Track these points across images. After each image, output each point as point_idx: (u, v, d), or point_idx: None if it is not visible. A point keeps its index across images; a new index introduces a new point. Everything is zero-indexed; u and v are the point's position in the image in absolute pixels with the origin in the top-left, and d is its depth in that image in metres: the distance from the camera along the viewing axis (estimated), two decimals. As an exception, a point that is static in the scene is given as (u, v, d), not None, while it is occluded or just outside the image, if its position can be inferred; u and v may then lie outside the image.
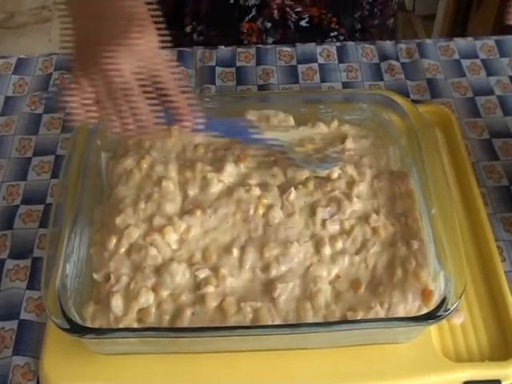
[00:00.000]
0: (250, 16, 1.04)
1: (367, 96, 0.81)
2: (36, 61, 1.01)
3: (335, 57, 1.00)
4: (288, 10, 1.03)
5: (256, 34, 1.06)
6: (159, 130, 0.66)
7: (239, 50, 1.01)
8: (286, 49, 1.01)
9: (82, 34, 0.64)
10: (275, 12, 1.03)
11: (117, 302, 0.65)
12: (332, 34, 1.07)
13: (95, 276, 0.67)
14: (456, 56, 1.00)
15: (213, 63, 0.99)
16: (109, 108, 0.63)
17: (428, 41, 1.03)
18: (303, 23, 1.05)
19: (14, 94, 0.97)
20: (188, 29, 1.08)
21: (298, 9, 1.03)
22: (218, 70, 0.99)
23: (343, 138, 0.78)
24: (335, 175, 0.74)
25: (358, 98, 0.81)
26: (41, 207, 0.83)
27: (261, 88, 0.96)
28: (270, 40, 1.07)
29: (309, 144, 0.77)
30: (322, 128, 0.79)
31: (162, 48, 0.63)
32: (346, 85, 0.96)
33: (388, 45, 1.02)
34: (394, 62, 0.99)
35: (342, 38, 1.07)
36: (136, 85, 0.62)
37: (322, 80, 0.97)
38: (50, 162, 0.88)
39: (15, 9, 2.66)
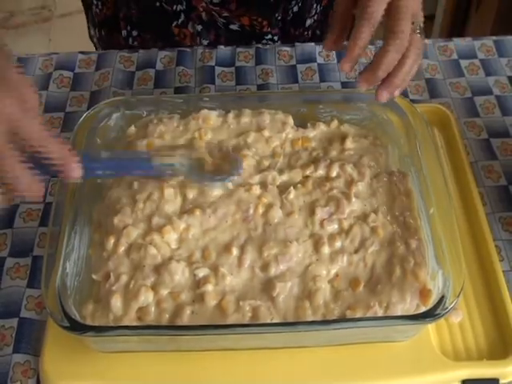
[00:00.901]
0: (180, 21, 1.04)
1: (366, 96, 0.80)
2: (36, 60, 1.01)
3: (334, 57, 1.00)
4: (214, 13, 1.03)
5: (189, 37, 1.06)
6: (40, 188, 0.61)
7: (239, 49, 1.02)
8: (286, 49, 1.02)
9: None
10: (203, 14, 1.03)
11: (116, 302, 0.65)
12: (267, 37, 1.07)
13: (94, 276, 0.68)
14: (455, 56, 1.00)
15: (212, 63, 1.00)
16: None
17: (427, 41, 1.03)
18: (234, 27, 1.05)
19: (14, 95, 0.97)
20: (124, 33, 1.08)
21: (225, 14, 1.03)
22: (218, 69, 0.99)
23: (343, 138, 0.78)
24: (334, 174, 0.74)
25: (357, 97, 0.81)
26: (41, 206, 0.83)
27: (260, 88, 0.96)
28: (205, 42, 1.07)
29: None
30: (321, 128, 0.79)
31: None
32: (345, 84, 0.97)
33: (387, 45, 1.02)
34: (393, 62, 0.99)
35: (276, 38, 1.07)
36: (6, 149, 0.58)
37: (322, 80, 0.97)
38: (50, 161, 0.88)
39: (15, 8, 2.66)
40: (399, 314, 0.64)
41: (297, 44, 1.02)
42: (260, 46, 1.02)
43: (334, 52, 1.01)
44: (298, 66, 1.00)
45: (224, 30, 1.06)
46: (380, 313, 0.64)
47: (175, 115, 0.80)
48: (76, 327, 0.62)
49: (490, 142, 0.89)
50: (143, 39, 1.08)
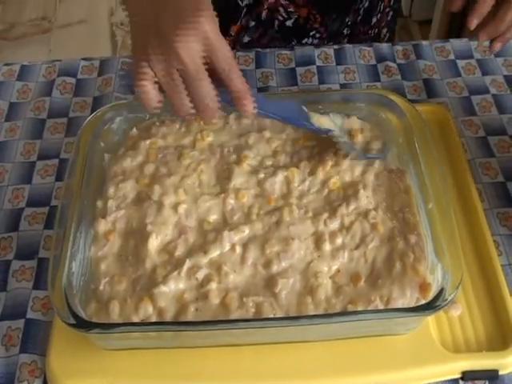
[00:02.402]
0: (240, 19, 1.05)
1: (365, 96, 0.82)
2: (39, 67, 1.03)
3: (333, 59, 1.02)
4: (280, 9, 1.04)
5: (235, 32, 1.07)
6: (217, 114, 0.66)
7: (239, 53, 1.03)
8: (285, 52, 1.03)
9: (143, 18, 0.64)
10: (264, 12, 1.04)
11: (115, 312, 0.66)
12: (311, 34, 1.08)
13: (93, 286, 0.69)
14: (451, 56, 1.02)
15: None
16: (175, 91, 0.63)
17: (424, 42, 1.04)
18: (289, 23, 1.06)
19: (18, 100, 0.99)
20: None
21: (290, 8, 1.04)
22: (218, 73, 1.00)
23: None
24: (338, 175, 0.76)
25: (355, 97, 0.82)
26: (45, 209, 0.84)
27: (260, 90, 0.97)
28: (247, 39, 1.08)
29: (358, 134, 0.78)
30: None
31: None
32: (343, 86, 0.98)
33: (384, 47, 1.03)
34: (390, 64, 1.00)
35: (318, 35, 1.09)
36: (203, 68, 0.62)
37: (321, 82, 0.99)
38: (54, 166, 0.89)
39: (15, 20, 2.67)
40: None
41: (296, 47, 1.04)
42: (260, 49, 1.03)
43: (332, 54, 1.02)
44: (297, 68, 1.01)
45: (277, 28, 1.07)
46: (381, 307, 0.65)
47: (177, 117, 0.81)
48: (82, 325, 0.63)
49: (487, 139, 0.90)
50: None
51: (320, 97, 0.84)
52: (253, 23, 1.06)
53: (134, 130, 0.81)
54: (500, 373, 0.67)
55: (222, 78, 0.64)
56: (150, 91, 0.63)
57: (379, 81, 0.99)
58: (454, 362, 0.67)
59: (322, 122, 0.76)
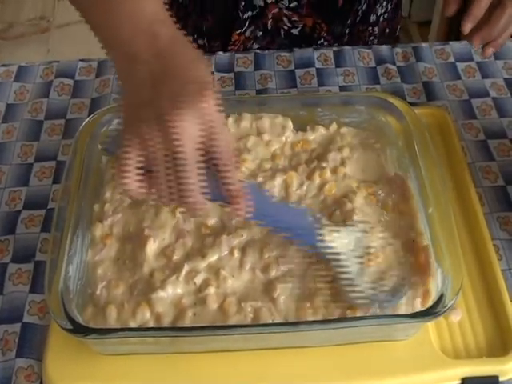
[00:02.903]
0: (244, 29, 1.05)
1: (364, 98, 0.82)
2: (37, 68, 1.02)
3: (332, 61, 1.01)
4: (284, 19, 1.04)
5: (241, 42, 1.07)
6: (202, 207, 0.58)
7: (238, 55, 1.02)
8: (284, 54, 1.02)
9: (142, 93, 0.57)
10: (269, 22, 1.04)
11: (112, 317, 0.66)
12: (319, 42, 1.08)
13: (90, 290, 0.68)
14: (451, 59, 1.01)
15: (212, 69, 1.01)
16: (159, 177, 0.56)
17: (424, 44, 1.04)
18: (295, 31, 1.06)
19: (15, 102, 0.98)
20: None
21: (294, 18, 1.04)
22: (217, 75, 1.00)
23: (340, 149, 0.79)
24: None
25: (355, 100, 0.82)
26: (43, 212, 0.83)
27: (259, 92, 0.97)
28: (256, 46, 1.08)
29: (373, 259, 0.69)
30: (321, 131, 0.80)
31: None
32: (343, 88, 0.97)
33: (384, 49, 1.03)
34: (390, 66, 1.00)
35: (326, 44, 1.08)
36: (196, 156, 0.55)
37: (320, 84, 0.98)
38: (52, 168, 0.88)
39: (13, 19, 2.67)
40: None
41: (295, 49, 1.03)
42: (259, 51, 1.03)
43: (332, 56, 1.01)
44: (296, 70, 1.00)
45: (283, 36, 1.07)
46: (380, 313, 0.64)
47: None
48: (79, 330, 0.62)
49: (487, 143, 0.89)
50: (209, 48, 1.09)
51: (319, 99, 0.84)
52: (260, 33, 1.06)
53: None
54: (500, 379, 0.66)
55: (217, 170, 0.58)
56: (132, 184, 0.56)
57: (379, 83, 0.98)
58: (453, 368, 0.66)
59: (334, 238, 0.68)
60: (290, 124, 0.80)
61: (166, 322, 0.65)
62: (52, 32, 2.63)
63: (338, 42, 1.09)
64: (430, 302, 0.64)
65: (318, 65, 1.01)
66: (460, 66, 1.00)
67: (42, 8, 2.71)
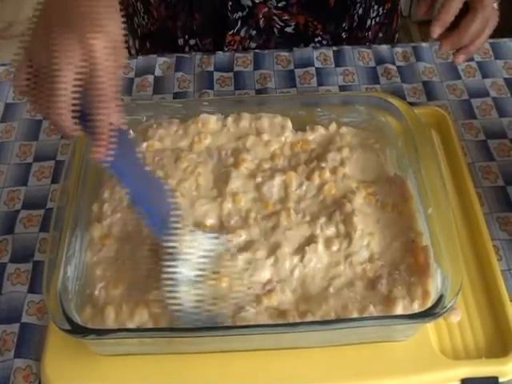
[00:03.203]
0: (236, 29, 1.04)
1: (364, 98, 0.82)
2: (35, 68, 1.02)
3: (332, 61, 1.01)
4: (275, 18, 1.04)
5: (238, 42, 1.07)
6: (70, 130, 0.58)
7: (237, 55, 1.02)
8: (284, 53, 1.02)
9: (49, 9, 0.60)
10: (261, 21, 1.04)
11: (110, 318, 0.65)
12: (316, 40, 1.07)
13: (88, 291, 0.68)
14: (451, 59, 1.01)
15: (211, 68, 1.00)
16: (38, 86, 0.58)
17: (424, 44, 1.04)
18: (289, 30, 1.05)
19: (14, 101, 0.98)
20: (180, 41, 1.09)
21: (285, 17, 1.04)
22: (216, 74, 1.00)
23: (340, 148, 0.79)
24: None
25: (355, 100, 0.82)
26: (41, 212, 0.83)
27: (259, 92, 0.97)
28: (253, 45, 1.08)
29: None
30: (320, 131, 0.80)
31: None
32: (342, 88, 0.97)
33: (384, 49, 1.03)
34: (390, 66, 1.00)
35: (325, 43, 1.08)
36: (68, 79, 0.56)
37: (319, 84, 0.98)
38: (50, 168, 0.88)
39: (13, 18, 2.66)
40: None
41: (295, 49, 1.03)
42: (258, 51, 1.03)
43: (331, 56, 1.01)
44: (295, 70, 1.00)
45: (277, 34, 1.06)
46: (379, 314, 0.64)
47: (175, 120, 0.81)
48: (77, 330, 0.62)
49: (487, 143, 0.89)
50: (200, 48, 1.09)
51: (318, 99, 0.84)
52: (254, 32, 1.05)
53: (131, 132, 0.80)
54: (500, 380, 0.66)
55: (91, 106, 0.58)
56: (19, 82, 0.59)
57: (378, 83, 0.98)
58: (453, 368, 0.66)
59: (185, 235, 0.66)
60: (289, 124, 0.80)
61: (164, 322, 0.65)
62: (52, 31, 2.62)
63: (337, 42, 1.09)
64: (429, 303, 0.64)
65: (317, 64, 1.01)
66: (460, 65, 1.00)
67: (42, 7, 2.71)
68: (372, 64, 1.01)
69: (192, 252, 0.65)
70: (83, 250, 0.70)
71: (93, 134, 0.58)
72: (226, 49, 1.06)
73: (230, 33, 1.04)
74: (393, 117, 0.79)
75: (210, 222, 0.72)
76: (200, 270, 0.65)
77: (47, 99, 0.57)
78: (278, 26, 1.04)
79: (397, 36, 1.21)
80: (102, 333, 0.63)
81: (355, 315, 0.64)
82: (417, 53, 1.02)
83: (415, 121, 0.77)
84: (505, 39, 1.03)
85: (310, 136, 0.80)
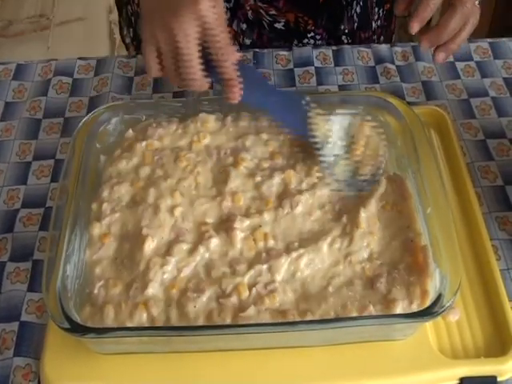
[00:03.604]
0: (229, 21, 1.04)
1: (363, 98, 0.82)
2: (35, 67, 1.02)
3: (331, 60, 1.01)
4: (261, 11, 1.04)
5: (232, 38, 1.06)
6: (202, 83, 0.70)
7: (236, 54, 1.02)
8: (283, 53, 1.02)
9: (152, 4, 0.71)
10: (249, 13, 1.04)
11: (109, 317, 0.65)
12: (309, 35, 1.07)
13: (87, 290, 0.68)
14: (451, 58, 1.01)
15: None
16: (170, 64, 0.70)
17: (423, 44, 1.04)
18: (279, 26, 1.05)
19: (14, 100, 0.98)
20: None
21: (272, 12, 1.04)
22: (216, 74, 1.00)
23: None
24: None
25: (354, 99, 0.82)
26: (41, 211, 0.83)
27: (258, 91, 0.97)
28: (248, 41, 1.08)
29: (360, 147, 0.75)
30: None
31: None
32: (342, 88, 0.97)
33: (383, 48, 1.03)
34: (389, 65, 1.00)
35: (318, 37, 1.08)
36: (194, 46, 0.68)
37: (319, 83, 0.98)
38: (50, 166, 0.88)
39: (13, 17, 2.66)
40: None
41: (294, 48, 1.03)
42: (258, 50, 1.03)
43: (331, 55, 1.01)
44: (295, 69, 1.00)
45: (268, 29, 1.06)
46: (378, 312, 0.64)
47: (174, 119, 0.81)
48: (77, 329, 0.62)
49: (486, 142, 0.89)
50: None
51: (318, 98, 0.84)
52: (245, 25, 1.06)
53: (130, 131, 0.80)
54: (498, 379, 0.66)
55: (213, 58, 0.69)
56: (150, 66, 0.71)
57: (378, 82, 0.98)
58: (451, 368, 0.66)
59: (321, 124, 0.75)
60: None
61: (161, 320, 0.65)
62: (52, 30, 2.62)
63: (335, 40, 1.09)
64: (428, 302, 0.64)
65: (316, 64, 1.01)
66: (459, 65, 1.00)
67: (42, 6, 2.70)
68: (371, 63, 1.01)
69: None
70: (82, 248, 0.70)
71: (223, 80, 0.70)
72: None
73: None
74: (392, 116, 0.79)
75: (210, 220, 0.72)
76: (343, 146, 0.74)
77: (181, 71, 0.69)
78: (267, 21, 1.05)
79: (394, 37, 1.21)
80: (101, 331, 0.63)
81: (354, 314, 0.64)
82: (416, 52, 1.02)
83: (414, 120, 0.78)
84: (504, 39, 1.04)
85: None
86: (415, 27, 0.76)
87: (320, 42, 1.09)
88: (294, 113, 0.76)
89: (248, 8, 1.03)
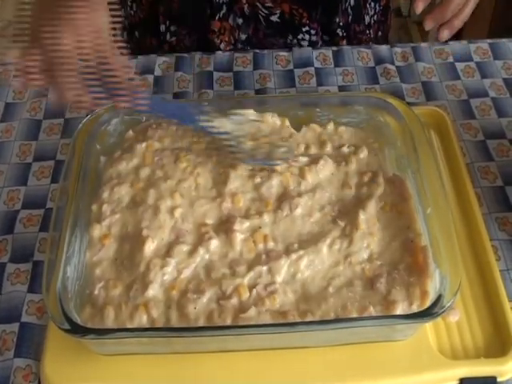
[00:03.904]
0: (221, 13, 1.04)
1: (363, 99, 0.82)
2: (35, 67, 1.02)
3: (331, 61, 1.01)
4: (258, 4, 1.04)
5: (228, 33, 1.06)
6: (94, 103, 0.66)
7: (236, 54, 1.02)
8: (283, 53, 1.02)
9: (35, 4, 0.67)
10: (245, 7, 1.04)
11: (109, 318, 0.65)
12: (304, 30, 1.07)
13: (88, 291, 0.68)
14: (450, 59, 1.01)
15: (210, 68, 1.01)
16: (48, 78, 0.64)
17: (423, 44, 1.04)
18: (274, 18, 1.06)
19: (14, 101, 0.98)
20: (162, 28, 1.09)
21: (269, 4, 1.04)
22: (216, 74, 1.00)
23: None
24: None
25: (353, 100, 0.82)
26: (41, 212, 0.83)
27: (258, 92, 0.97)
28: (243, 37, 1.08)
29: (262, 138, 0.77)
30: (314, 128, 0.80)
31: (112, 28, 0.66)
32: (342, 88, 0.97)
33: (383, 49, 1.03)
34: (389, 66, 1.00)
35: (313, 32, 1.08)
36: (75, 59, 0.63)
37: (319, 84, 0.98)
38: (50, 167, 0.88)
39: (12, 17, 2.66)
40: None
41: (294, 49, 1.03)
42: (257, 50, 1.03)
43: (331, 56, 1.01)
44: (295, 70, 1.00)
45: (264, 24, 1.07)
46: (378, 313, 0.64)
47: (174, 120, 0.81)
48: (77, 330, 0.62)
49: (486, 143, 0.89)
50: (180, 35, 1.09)
51: (318, 100, 0.84)
52: (241, 20, 1.06)
53: (130, 132, 0.80)
54: (498, 380, 0.66)
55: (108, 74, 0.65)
56: (20, 72, 0.65)
57: (378, 83, 0.98)
58: (451, 368, 0.66)
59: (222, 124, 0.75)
60: (287, 124, 0.80)
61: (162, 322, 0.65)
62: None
63: (332, 38, 1.09)
64: (427, 303, 0.64)
65: (316, 64, 1.01)
66: (459, 65, 1.00)
67: (42, 6, 2.70)
68: (371, 64, 1.01)
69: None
70: (83, 250, 0.70)
71: (115, 92, 0.66)
72: (218, 40, 1.06)
73: (217, 18, 1.04)
74: (392, 117, 0.79)
75: (210, 221, 0.72)
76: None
77: (62, 80, 0.63)
78: (263, 14, 1.05)
79: (390, 32, 1.22)
80: (101, 333, 0.63)
81: (354, 315, 0.64)
82: (416, 53, 1.02)
83: (414, 121, 0.78)
84: (504, 39, 1.04)
85: (307, 135, 0.80)
86: (420, 6, 0.78)
87: (315, 37, 1.09)
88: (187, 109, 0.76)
89: (244, 1, 1.03)
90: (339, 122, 0.81)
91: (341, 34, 1.09)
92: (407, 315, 0.64)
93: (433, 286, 0.65)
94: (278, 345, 0.68)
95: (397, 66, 1.00)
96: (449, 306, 0.62)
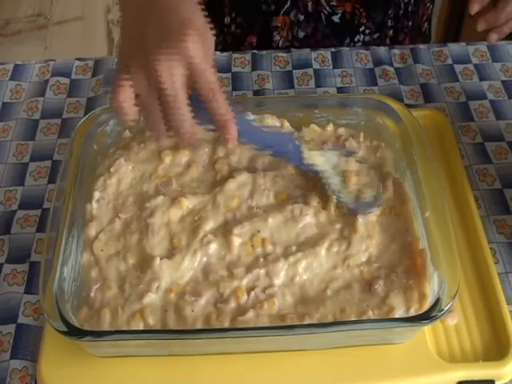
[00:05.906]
0: (285, 8, 1.05)
1: (361, 100, 0.82)
2: (33, 67, 1.02)
3: (330, 62, 1.01)
4: (322, 2, 1.05)
5: (287, 28, 1.07)
6: (195, 139, 0.65)
7: (235, 55, 1.02)
8: (282, 54, 1.02)
9: (131, 29, 0.64)
10: (309, 4, 1.05)
11: (106, 320, 0.65)
12: (361, 30, 1.09)
13: (84, 292, 0.68)
14: (449, 61, 1.01)
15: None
16: (150, 109, 0.62)
17: (421, 46, 1.04)
18: (335, 18, 1.07)
19: (11, 100, 0.98)
20: (227, 20, 1.10)
21: (333, 2, 1.05)
22: (214, 75, 0.99)
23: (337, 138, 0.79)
24: None
25: (352, 102, 0.81)
26: (38, 212, 0.83)
27: (256, 93, 0.97)
28: (301, 34, 1.09)
29: (352, 176, 0.75)
30: (315, 129, 0.80)
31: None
32: (340, 90, 0.97)
33: (382, 50, 1.03)
34: (387, 67, 1.00)
35: (368, 31, 1.09)
36: (182, 93, 0.61)
37: (317, 85, 0.98)
38: (47, 167, 0.88)
39: (11, 16, 2.66)
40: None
41: (292, 50, 1.03)
42: (256, 51, 1.03)
43: (329, 57, 1.01)
44: (293, 71, 1.00)
45: (324, 23, 1.07)
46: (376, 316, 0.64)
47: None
48: (73, 332, 0.62)
49: (484, 145, 0.89)
50: (243, 27, 1.10)
51: (316, 101, 0.84)
52: (302, 17, 1.06)
53: (127, 132, 0.80)
54: (496, 383, 0.66)
55: (204, 102, 0.63)
56: (125, 107, 0.61)
57: (376, 85, 0.98)
58: (450, 371, 0.66)
59: (315, 159, 0.74)
60: (286, 125, 0.80)
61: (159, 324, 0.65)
62: (50, 29, 2.62)
63: (381, 32, 1.10)
64: (426, 306, 0.64)
65: (315, 66, 1.01)
66: (458, 68, 1.00)
67: (40, 5, 2.70)
68: (370, 66, 1.01)
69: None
70: (79, 250, 0.70)
71: (217, 122, 0.63)
72: (278, 35, 1.07)
73: (282, 12, 1.05)
74: (390, 119, 0.79)
75: (210, 226, 0.71)
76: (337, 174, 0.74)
77: (169, 118, 0.62)
78: (326, 12, 1.06)
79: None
80: (97, 335, 0.63)
81: (353, 318, 0.64)
82: (415, 55, 1.02)
83: (413, 123, 0.77)
84: (502, 42, 1.03)
85: (307, 137, 0.80)
86: (475, 8, 0.80)
87: (368, 37, 1.11)
88: (286, 145, 0.74)
89: None
90: (338, 123, 0.81)
91: (390, 24, 1.10)
92: (405, 318, 0.63)
93: (431, 289, 0.65)
94: (277, 347, 0.67)
95: (395, 68, 1.00)
96: (447, 309, 0.62)
